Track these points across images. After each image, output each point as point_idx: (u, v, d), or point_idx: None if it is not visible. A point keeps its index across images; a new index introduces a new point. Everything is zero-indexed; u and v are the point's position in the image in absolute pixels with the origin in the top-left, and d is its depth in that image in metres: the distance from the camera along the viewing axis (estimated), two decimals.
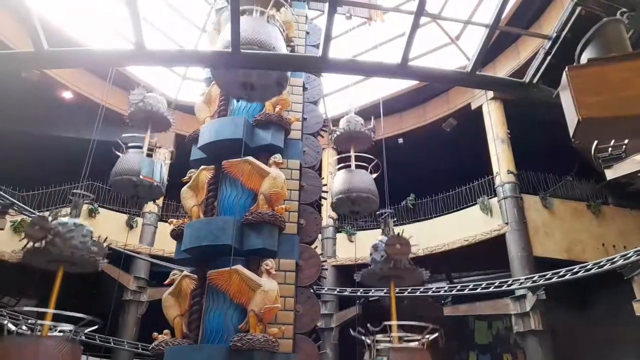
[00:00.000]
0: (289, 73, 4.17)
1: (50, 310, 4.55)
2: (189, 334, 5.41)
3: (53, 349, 4.23)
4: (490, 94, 14.24)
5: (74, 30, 12.95)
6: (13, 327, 4.39)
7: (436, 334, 5.09)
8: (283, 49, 4.20)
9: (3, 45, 11.70)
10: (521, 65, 13.07)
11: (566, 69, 2.84)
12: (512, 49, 13.80)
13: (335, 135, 7.98)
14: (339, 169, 7.99)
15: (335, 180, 7.71)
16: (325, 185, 7.00)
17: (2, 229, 11.23)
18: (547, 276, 10.89)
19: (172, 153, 9.22)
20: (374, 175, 7.68)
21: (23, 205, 11.34)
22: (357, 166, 7.86)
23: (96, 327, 5.02)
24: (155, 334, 5.51)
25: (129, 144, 7.72)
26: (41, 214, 4.68)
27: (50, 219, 4.71)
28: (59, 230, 4.74)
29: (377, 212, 6.27)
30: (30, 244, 4.57)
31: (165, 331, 5.52)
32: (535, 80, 3.64)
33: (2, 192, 10.73)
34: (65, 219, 4.98)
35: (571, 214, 13.12)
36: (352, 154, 7.95)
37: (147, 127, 7.87)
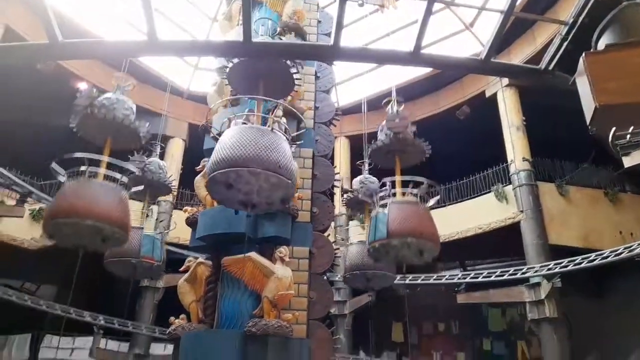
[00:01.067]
0: (294, 190, 3.84)
1: (105, 158, 4.90)
2: (204, 319, 5.51)
3: (106, 192, 4.57)
4: (505, 81, 14.03)
5: (86, 21, 13.08)
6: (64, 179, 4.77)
7: (437, 197, 5.34)
8: (290, 164, 3.74)
9: (19, 38, 11.87)
10: (537, 52, 12.83)
11: (583, 54, 2.79)
12: (528, 35, 13.53)
13: (348, 198, 7.68)
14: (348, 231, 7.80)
15: (349, 251, 7.43)
16: (338, 173, 7.01)
17: (22, 217, 11.50)
18: (563, 264, 10.80)
19: (171, 225, 9.03)
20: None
21: (41, 194, 11.58)
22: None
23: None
24: (171, 318, 5.62)
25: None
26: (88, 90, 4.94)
27: (95, 91, 4.96)
28: (104, 103, 4.95)
29: (384, 102, 6.09)
30: (79, 113, 4.87)
31: (182, 316, 5.63)
32: (551, 67, 3.58)
33: (21, 181, 10.96)
34: (109, 94, 5.08)
35: (588, 202, 12.94)
36: (367, 224, 7.73)
37: (145, 196, 7.52)
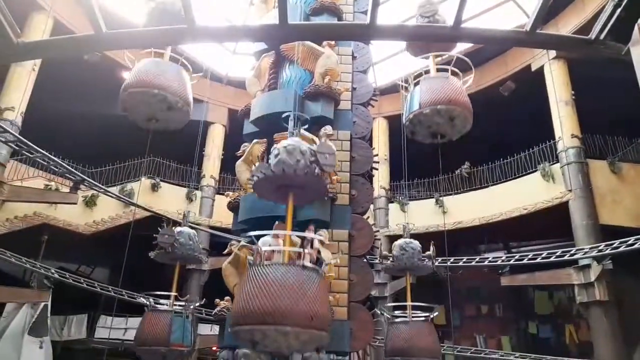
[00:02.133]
0: (328, 337, 3.47)
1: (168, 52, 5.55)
2: None
3: (169, 69, 5.29)
4: (553, 53, 13.35)
5: (129, 14, 13.40)
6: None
7: (471, 75, 5.51)
8: (324, 309, 3.41)
9: (67, 31, 12.34)
10: (587, 21, 12.11)
11: (638, 21, 2.61)
12: (577, 3, 12.78)
13: (387, 265, 7.54)
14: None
15: (392, 331, 7.13)
16: (377, 155, 6.94)
17: (75, 204, 12.11)
18: (614, 245, 10.33)
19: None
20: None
21: (92, 181, 12.14)
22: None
23: None
24: (217, 300, 5.81)
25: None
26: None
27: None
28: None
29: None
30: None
31: (226, 298, 5.81)
32: (602, 36, 3.36)
33: (73, 169, 11.52)
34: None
35: None
36: (409, 301, 7.27)
37: (176, 268, 7.74)
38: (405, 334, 6.97)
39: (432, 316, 7.26)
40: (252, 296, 3.21)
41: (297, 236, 4.31)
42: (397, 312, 7.52)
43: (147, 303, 7.41)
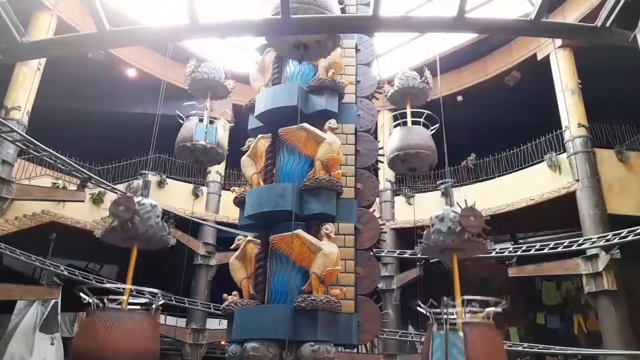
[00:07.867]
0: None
1: (128, 286, 4.90)
2: (255, 295, 5.70)
3: (133, 322, 4.59)
4: (559, 42, 13.21)
5: (130, 11, 13.42)
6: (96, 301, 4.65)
7: (502, 304, 4.59)
8: (336, 9, 3.96)
9: (71, 29, 12.38)
10: (594, 8, 11.96)
11: None
12: None
13: (389, 93, 7.58)
14: (395, 126, 7.65)
15: (391, 138, 7.42)
16: (382, 148, 6.93)
17: (83, 201, 12.21)
18: (622, 234, 10.27)
19: (229, 122, 9.21)
20: (432, 130, 7.33)
21: (99, 179, 12.22)
22: (413, 122, 7.37)
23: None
24: (225, 295, 5.85)
25: (190, 113, 7.62)
26: (125, 194, 4.89)
27: (134, 200, 4.72)
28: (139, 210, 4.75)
29: (438, 183, 6.01)
30: (115, 223, 4.70)
31: (234, 292, 5.84)
32: (608, 24, 3.31)
33: (80, 167, 11.59)
34: (143, 200, 4.86)
35: None
36: (408, 110, 7.50)
37: (207, 96, 7.78)
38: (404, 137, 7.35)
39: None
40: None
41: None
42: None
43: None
